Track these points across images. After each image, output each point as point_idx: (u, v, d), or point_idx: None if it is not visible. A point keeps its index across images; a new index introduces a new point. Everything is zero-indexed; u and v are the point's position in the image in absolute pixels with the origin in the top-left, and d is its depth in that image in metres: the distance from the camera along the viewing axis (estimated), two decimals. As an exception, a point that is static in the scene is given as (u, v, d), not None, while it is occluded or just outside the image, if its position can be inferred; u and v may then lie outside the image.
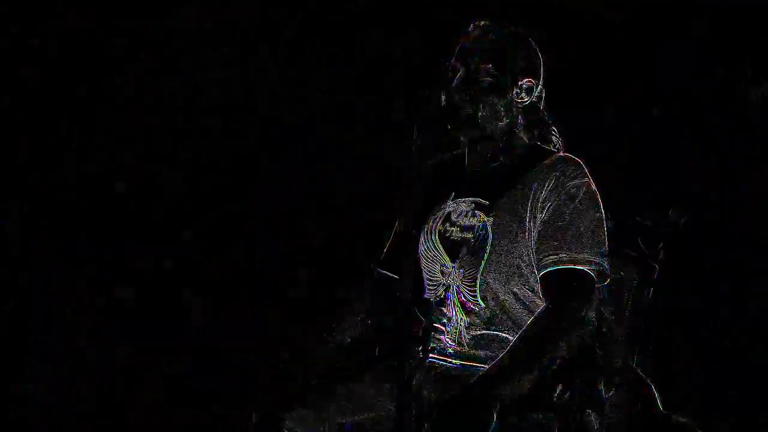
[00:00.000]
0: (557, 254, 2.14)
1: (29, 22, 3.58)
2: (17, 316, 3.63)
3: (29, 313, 3.64)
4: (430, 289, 2.32)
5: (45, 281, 3.64)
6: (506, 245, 2.22)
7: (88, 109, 3.65)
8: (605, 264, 2.16)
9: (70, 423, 3.63)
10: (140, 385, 3.66)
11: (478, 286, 2.23)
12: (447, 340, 2.28)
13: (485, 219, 2.26)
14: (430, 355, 2.30)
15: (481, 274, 2.23)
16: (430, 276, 2.33)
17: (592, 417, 2.12)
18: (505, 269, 2.22)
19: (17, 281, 3.63)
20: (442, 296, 2.29)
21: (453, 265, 2.27)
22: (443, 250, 2.30)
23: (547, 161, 2.27)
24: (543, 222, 2.19)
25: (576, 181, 2.20)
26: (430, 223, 2.36)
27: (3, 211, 3.63)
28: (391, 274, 2.45)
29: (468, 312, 2.25)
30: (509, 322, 2.22)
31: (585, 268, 2.13)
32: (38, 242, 3.65)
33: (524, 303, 2.22)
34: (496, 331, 2.23)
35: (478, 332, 2.24)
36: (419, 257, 2.35)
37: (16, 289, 3.63)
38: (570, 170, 2.22)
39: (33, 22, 3.58)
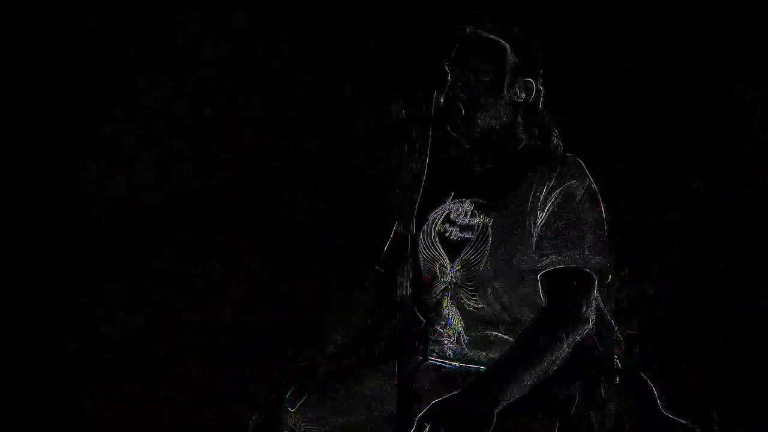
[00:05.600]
0: (558, 254, 2.14)
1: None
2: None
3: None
4: (429, 290, 2.32)
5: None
6: (506, 245, 2.21)
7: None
8: (606, 264, 2.16)
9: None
10: (138, 385, 3.66)
11: (477, 286, 2.23)
12: (446, 340, 2.28)
13: (485, 219, 2.25)
14: (430, 355, 2.30)
15: (481, 275, 2.23)
16: (429, 276, 2.33)
17: (592, 417, 2.12)
18: (505, 269, 2.21)
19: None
20: (441, 297, 2.29)
21: (452, 265, 2.27)
22: (443, 251, 2.30)
23: (547, 161, 2.27)
24: (543, 222, 2.19)
25: (576, 181, 2.20)
26: (430, 223, 2.35)
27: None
28: (391, 275, 2.44)
29: (467, 312, 2.24)
30: (509, 322, 2.22)
31: (585, 269, 2.13)
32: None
33: (524, 303, 2.22)
34: (496, 331, 2.22)
35: (478, 333, 2.24)
36: (418, 257, 2.35)
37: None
38: (570, 170, 2.22)
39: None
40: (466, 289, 2.24)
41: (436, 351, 2.29)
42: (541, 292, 2.18)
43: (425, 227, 2.36)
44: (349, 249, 3.50)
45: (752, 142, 3.18)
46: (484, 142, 2.33)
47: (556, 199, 2.19)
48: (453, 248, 2.28)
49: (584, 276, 2.13)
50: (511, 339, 2.16)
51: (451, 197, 2.36)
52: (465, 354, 2.25)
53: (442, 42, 2.37)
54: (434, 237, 2.33)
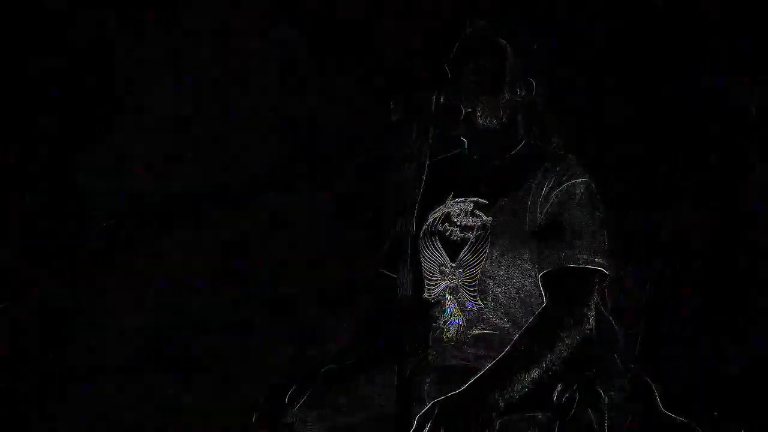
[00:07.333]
0: (558, 254, 2.14)
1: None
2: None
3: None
4: (429, 289, 2.32)
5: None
6: (506, 245, 2.22)
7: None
8: (605, 264, 2.16)
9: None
10: (138, 385, 3.67)
11: (477, 285, 2.23)
12: (446, 340, 2.28)
13: (485, 219, 2.26)
14: (430, 355, 2.30)
15: (481, 274, 2.23)
16: (429, 276, 2.33)
17: (592, 417, 2.12)
18: (505, 269, 2.22)
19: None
20: (441, 296, 2.29)
21: (453, 264, 2.27)
22: (443, 250, 2.30)
23: (547, 160, 2.27)
24: (543, 222, 2.19)
25: (576, 181, 2.20)
26: (430, 223, 2.36)
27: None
28: (391, 275, 2.44)
29: (467, 312, 2.25)
30: (509, 322, 2.22)
31: (585, 268, 2.13)
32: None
33: (524, 302, 2.22)
34: (496, 331, 2.22)
35: (478, 332, 2.24)
36: (419, 257, 2.35)
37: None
38: (571, 169, 2.22)
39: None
40: (466, 289, 2.24)
41: (436, 351, 2.29)
42: (541, 291, 2.18)
43: (425, 227, 2.36)
44: (350, 249, 3.50)
45: (751, 142, 3.18)
46: (484, 142, 2.33)
47: (556, 199, 2.19)
48: (453, 248, 2.28)
49: (584, 276, 2.13)
50: (510, 338, 2.16)
51: (451, 197, 2.36)
52: (465, 353, 2.25)
53: (442, 42, 2.38)
54: (434, 237, 2.33)
